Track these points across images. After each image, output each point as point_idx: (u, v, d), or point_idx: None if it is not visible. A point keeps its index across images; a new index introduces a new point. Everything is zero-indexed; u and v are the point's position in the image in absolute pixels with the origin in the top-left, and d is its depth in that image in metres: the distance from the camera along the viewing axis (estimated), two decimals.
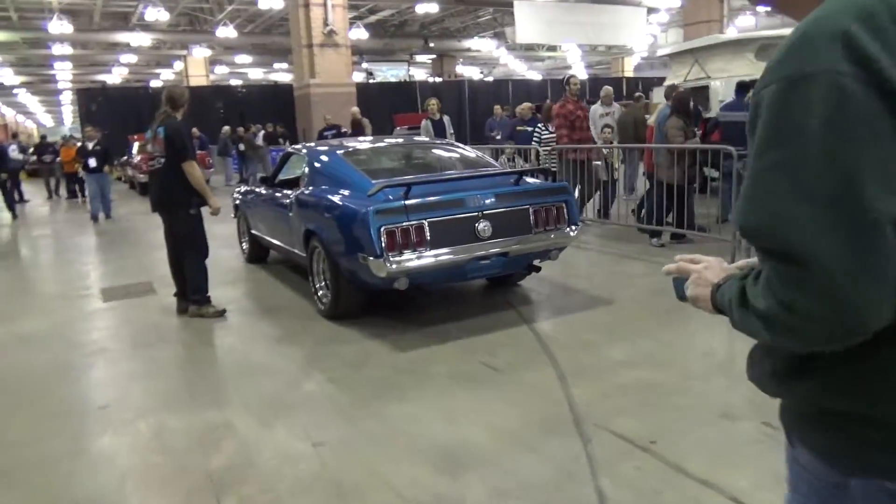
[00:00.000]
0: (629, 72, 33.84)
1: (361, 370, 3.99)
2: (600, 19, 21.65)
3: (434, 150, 5.92)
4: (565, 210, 4.86)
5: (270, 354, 4.40)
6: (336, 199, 4.72)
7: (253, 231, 6.81)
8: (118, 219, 12.12)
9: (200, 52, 33.33)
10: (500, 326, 4.60)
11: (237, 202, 7.18)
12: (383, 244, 4.20)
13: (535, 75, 35.23)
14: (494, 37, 31.10)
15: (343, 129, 13.02)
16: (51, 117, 62.72)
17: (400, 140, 6.11)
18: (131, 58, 35.88)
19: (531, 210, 4.70)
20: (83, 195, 15.63)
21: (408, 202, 4.29)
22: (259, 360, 4.29)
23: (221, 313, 5.25)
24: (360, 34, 27.41)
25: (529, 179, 5.06)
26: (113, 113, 24.70)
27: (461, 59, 36.28)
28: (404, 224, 4.26)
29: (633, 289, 5.47)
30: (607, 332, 4.40)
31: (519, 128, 9.62)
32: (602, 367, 3.82)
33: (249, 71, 44.85)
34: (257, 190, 6.46)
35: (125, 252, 8.64)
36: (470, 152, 5.80)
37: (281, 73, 40.81)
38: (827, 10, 0.85)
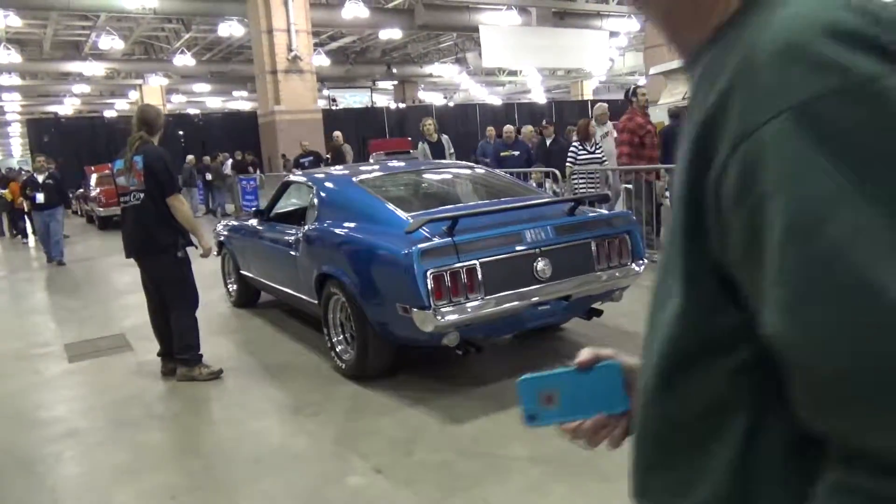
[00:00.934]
0: (588, 95, 34.00)
1: (413, 453, 3.17)
2: (562, 42, 21.70)
3: (459, 175, 5.16)
4: (629, 242, 4.15)
5: (291, 432, 3.54)
6: (363, 236, 3.93)
7: (243, 272, 5.93)
8: (76, 259, 10.98)
9: (157, 81, 32.38)
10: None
11: (222, 238, 6.28)
12: (430, 292, 3.42)
13: (496, 100, 35.09)
14: (456, 62, 30.88)
15: (324, 156, 12.19)
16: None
17: (412, 165, 5.32)
18: (84, 88, 34.76)
19: (593, 244, 3.98)
20: (25, 235, 14.46)
21: (457, 239, 3.52)
22: (278, 441, 3.43)
23: (217, 374, 4.37)
24: (321, 61, 26.80)
25: (585, 208, 4.36)
26: (66, 144, 23.38)
27: (423, 85, 36.01)
28: (454, 266, 3.49)
29: None
30: None
31: (503, 153, 8.86)
32: None
33: (208, 99, 43.82)
34: (249, 224, 5.59)
35: (88, 298, 7.64)
36: (500, 177, 5.07)
37: (241, 102, 39.93)
38: (792, 10, 0.56)
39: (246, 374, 4.48)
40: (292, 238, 4.68)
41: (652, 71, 12.74)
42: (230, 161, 15.93)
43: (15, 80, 31.35)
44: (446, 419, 3.49)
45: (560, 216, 4.06)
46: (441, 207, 4.14)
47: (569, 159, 7.77)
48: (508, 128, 9.22)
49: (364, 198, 4.25)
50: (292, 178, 5.15)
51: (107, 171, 16.33)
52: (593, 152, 7.80)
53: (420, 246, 3.42)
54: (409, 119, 26.96)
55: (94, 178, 15.67)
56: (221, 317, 6.06)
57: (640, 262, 4.19)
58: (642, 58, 21.81)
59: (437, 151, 8.64)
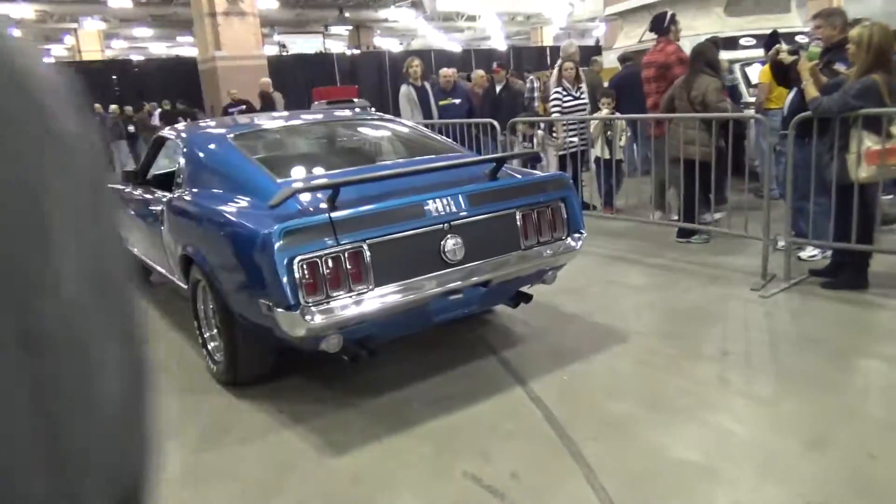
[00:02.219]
0: (548, 42, 32.87)
1: (279, 494, 2.41)
2: None
3: (368, 130, 4.27)
4: (565, 211, 3.38)
5: None
6: (223, 209, 3.07)
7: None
8: None
9: (93, 25, 30.33)
10: (483, 392, 3.09)
11: None
12: (298, 286, 2.61)
13: (456, 46, 33.70)
14: (412, 6, 29.31)
15: (255, 106, 11.10)
16: None
17: (318, 116, 4.39)
18: (14, 32, 32.38)
19: (519, 215, 3.19)
20: None
21: (336, 214, 2.70)
22: None
23: None
24: (269, 3, 25.15)
25: (511, 169, 3.55)
26: None
27: (378, 31, 34.38)
28: (332, 250, 2.67)
29: (649, 311, 4.07)
30: (640, 398, 2.97)
31: (442, 101, 7.63)
32: (661, 471, 2.39)
33: (151, 45, 41.53)
34: (122, 188, 4.65)
35: None
36: (416, 132, 4.19)
37: (186, 48, 37.81)
38: None
39: None
40: (157, 208, 3.80)
41: (607, 10, 11.79)
42: (158, 111, 14.62)
43: None
44: (326, 447, 2.73)
45: (479, 181, 3.25)
46: (323, 173, 3.29)
47: (553, 106, 6.55)
48: (445, 71, 7.85)
49: (235, 159, 3.36)
50: (164, 133, 4.21)
51: None
52: (579, 97, 6.64)
53: (283, 225, 2.59)
54: (361, 66, 25.58)
55: None
56: None
57: (578, 235, 3.43)
58: (602, 3, 20.77)
59: (423, 98, 7.46)
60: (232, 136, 3.56)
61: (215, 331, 3.33)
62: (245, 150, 3.43)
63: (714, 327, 3.72)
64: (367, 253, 2.76)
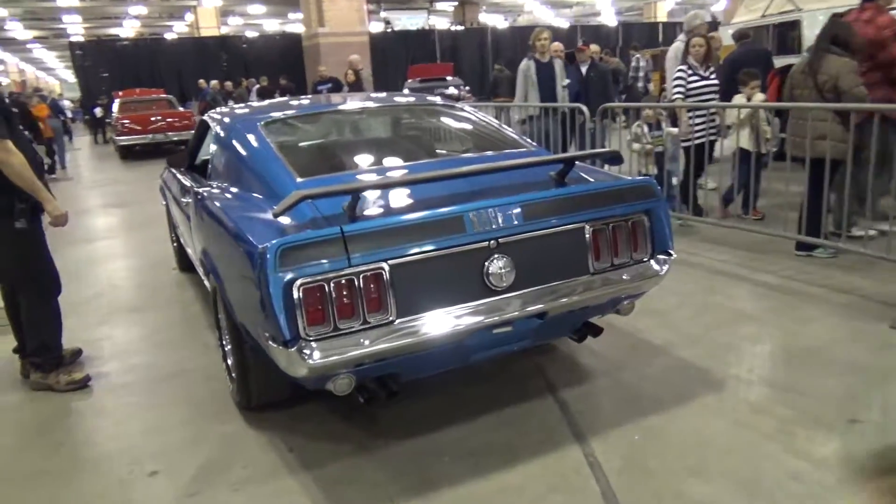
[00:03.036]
0: (663, 17, 30.85)
1: None
2: None
3: (423, 120, 3.70)
4: (648, 227, 2.70)
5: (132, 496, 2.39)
6: (230, 212, 2.63)
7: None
8: None
9: (211, 2, 31.54)
10: (531, 446, 2.51)
11: (162, 184, 5.07)
12: (299, 315, 2.12)
13: (563, 23, 32.29)
14: None
15: (343, 83, 10.78)
16: (72, 73, 61.53)
17: (369, 102, 3.74)
18: (141, 10, 34.35)
19: (588, 231, 2.55)
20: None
21: (350, 227, 2.18)
22: None
23: (81, 384, 3.27)
24: None
25: (584, 171, 2.89)
26: (111, 66, 22.64)
27: (484, 7, 33.51)
28: (344, 272, 2.16)
29: (756, 348, 3.30)
30: (734, 478, 2.28)
31: None
32: None
33: (265, 22, 42.79)
34: (173, 173, 4.35)
35: None
36: (486, 125, 3.54)
37: (297, 24, 38.63)
38: None
39: (122, 386, 3.33)
40: (187, 200, 3.44)
41: None
42: (256, 87, 14.70)
43: (74, 0, 31.00)
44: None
45: (539, 187, 2.63)
46: (354, 171, 2.76)
47: (676, 87, 5.52)
48: (557, 46, 6.91)
49: (259, 151, 2.90)
50: (206, 115, 3.84)
51: (134, 97, 15.55)
52: (708, 77, 5.53)
53: (280, 241, 2.10)
54: (463, 43, 24.88)
55: (116, 105, 14.80)
56: (156, 284, 4.96)
57: (665, 256, 2.74)
58: None
59: (546, 75, 6.51)
60: (263, 122, 3.10)
61: (230, 346, 2.93)
62: (274, 140, 2.96)
63: (839, 377, 2.93)
64: (389, 276, 2.23)
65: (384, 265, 2.22)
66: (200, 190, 3.13)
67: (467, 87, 14.55)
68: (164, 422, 2.91)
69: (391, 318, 2.25)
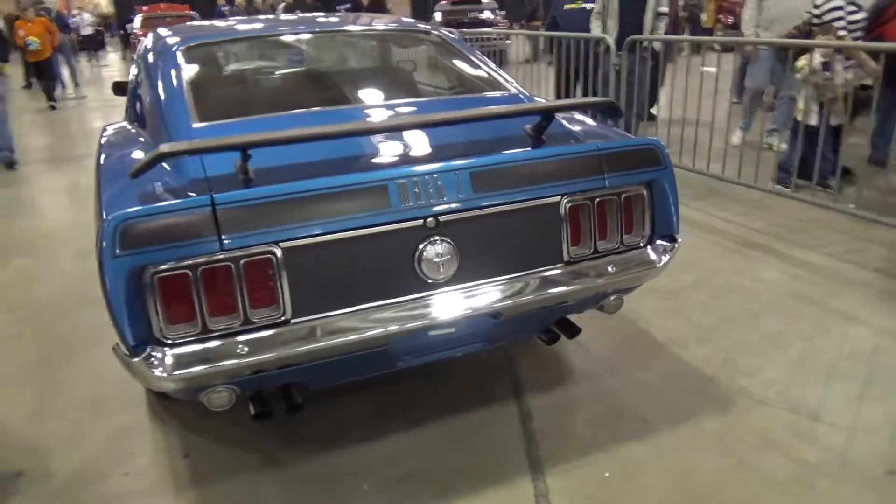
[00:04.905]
0: None
1: None
2: None
3: (388, 51, 2.97)
4: (646, 201, 2.08)
5: None
6: (107, 168, 2.10)
7: None
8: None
9: None
10: (473, 474, 2.00)
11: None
12: (154, 315, 1.60)
13: None
14: None
15: (363, 2, 9.92)
16: None
17: (330, 25, 2.88)
18: None
19: (563, 207, 1.94)
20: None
21: (222, 197, 1.62)
22: None
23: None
24: None
25: (569, 124, 2.25)
26: None
27: None
28: (213, 257, 1.62)
29: (787, 353, 2.67)
30: None
31: (567, 5, 5.98)
32: None
33: None
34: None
35: None
36: (472, 60, 2.81)
37: None
38: None
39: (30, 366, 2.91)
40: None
41: None
42: (283, 4, 13.86)
43: None
44: None
45: (509, 146, 2.00)
46: (254, 118, 2.16)
47: (832, 14, 4.25)
48: None
49: (165, 82, 2.29)
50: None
51: (157, 13, 14.92)
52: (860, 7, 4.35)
53: (118, 214, 1.55)
54: None
55: (138, 20, 14.22)
56: None
57: (667, 244, 2.13)
58: None
59: None
60: (185, 47, 2.49)
61: None
62: (190, 71, 2.36)
63: (891, 404, 2.31)
64: (281, 262, 1.68)
65: (275, 249, 1.67)
66: (105, 128, 2.58)
67: (503, 12, 13.44)
68: (47, 408, 2.47)
69: (284, 317, 1.72)
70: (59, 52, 9.80)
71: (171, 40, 2.53)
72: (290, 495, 1.98)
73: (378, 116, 2.18)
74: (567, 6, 6.04)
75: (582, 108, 2.32)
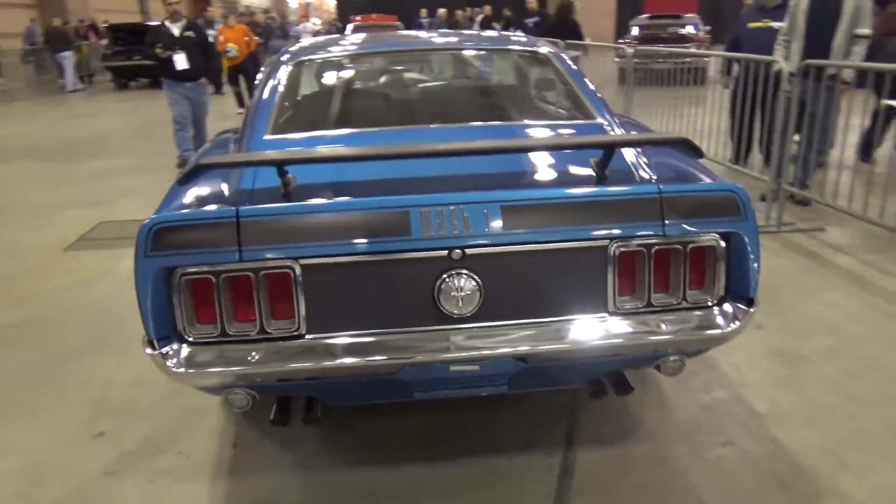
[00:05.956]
0: None
1: None
2: None
3: (489, 70, 2.89)
4: (720, 255, 1.81)
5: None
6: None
7: None
8: None
9: None
10: None
11: None
12: (179, 313, 1.72)
13: None
14: None
15: (549, 17, 9.84)
16: None
17: (438, 42, 2.96)
18: None
19: (614, 251, 1.76)
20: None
21: (247, 210, 1.69)
22: None
23: None
24: None
25: (647, 158, 2.03)
26: None
27: None
28: (233, 268, 1.70)
29: None
30: None
31: (752, 23, 5.44)
32: None
33: None
34: None
35: None
36: (566, 79, 2.60)
37: None
38: None
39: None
40: None
41: None
42: (481, 17, 14.27)
43: None
44: None
45: (565, 179, 1.86)
46: (319, 134, 2.19)
47: None
48: None
49: (264, 93, 2.45)
50: None
51: (368, 23, 16.09)
52: None
53: (155, 218, 1.69)
54: None
55: (349, 29, 15.41)
56: None
57: (741, 307, 1.84)
58: None
59: (831, 9, 4.42)
60: (292, 63, 2.63)
61: None
62: (289, 83, 2.51)
63: None
64: (300, 278, 1.72)
65: (293, 265, 1.71)
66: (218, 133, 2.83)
67: (708, 28, 12.56)
68: (146, 377, 2.75)
69: (298, 332, 1.75)
70: (251, 59, 9.54)
71: (285, 56, 2.70)
72: (312, 502, 2.02)
73: (438, 138, 2.14)
74: (751, 24, 5.50)
75: (646, 145, 2.07)
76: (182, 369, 1.70)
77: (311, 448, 2.26)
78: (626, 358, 1.90)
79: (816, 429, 2.30)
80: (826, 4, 4.49)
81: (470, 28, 14.19)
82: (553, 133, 2.20)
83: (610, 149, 1.84)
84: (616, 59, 9.23)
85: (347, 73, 2.87)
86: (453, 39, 3.13)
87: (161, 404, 2.54)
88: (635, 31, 12.16)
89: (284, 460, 2.21)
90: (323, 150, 1.78)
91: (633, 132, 2.46)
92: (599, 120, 2.29)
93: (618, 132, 2.24)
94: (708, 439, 2.25)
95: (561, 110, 2.43)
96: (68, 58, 14.47)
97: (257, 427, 2.38)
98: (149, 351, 1.72)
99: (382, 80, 2.90)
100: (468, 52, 2.95)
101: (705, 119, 5.49)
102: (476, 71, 3.00)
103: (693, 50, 7.47)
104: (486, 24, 13.77)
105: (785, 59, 4.47)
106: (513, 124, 2.33)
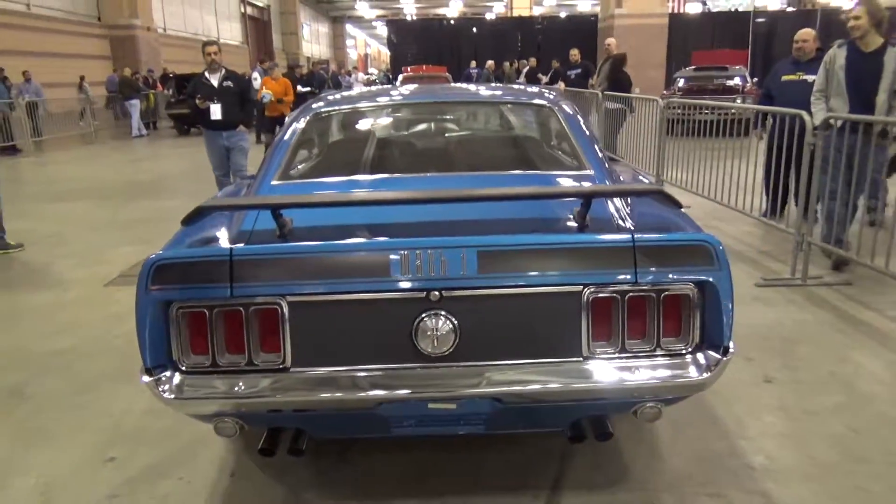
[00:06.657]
0: None
1: None
2: None
3: (489, 122, 3.02)
4: (694, 303, 1.85)
5: None
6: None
7: None
8: None
9: None
10: None
11: None
12: (175, 343, 1.85)
13: None
14: None
15: (592, 70, 10.00)
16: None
17: (445, 96, 3.16)
18: None
19: (587, 297, 1.82)
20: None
21: (241, 251, 1.82)
22: None
23: None
24: None
25: (627, 208, 2.09)
26: (417, 44, 24.66)
27: None
28: (225, 303, 1.82)
29: None
30: None
31: (786, 76, 5.47)
32: None
33: (579, 3, 42.76)
34: None
35: None
36: (567, 132, 2.65)
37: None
38: None
39: None
40: None
41: None
42: (526, 68, 14.58)
43: None
44: None
45: (544, 226, 1.94)
46: (323, 180, 2.33)
47: None
48: (803, 33, 5.50)
49: (281, 141, 2.63)
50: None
51: (418, 73, 16.63)
52: None
53: (157, 256, 1.83)
54: (785, 27, 21.46)
55: (399, 79, 15.94)
56: None
57: (714, 355, 1.86)
58: None
59: (867, 69, 4.39)
60: (312, 114, 2.81)
61: None
62: (305, 132, 2.68)
63: None
64: (286, 315, 1.83)
65: (281, 301, 1.83)
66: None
67: (755, 79, 12.52)
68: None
69: (283, 365, 1.86)
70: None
71: (304, 108, 2.89)
72: None
73: (429, 186, 2.26)
74: (785, 77, 5.50)
75: (622, 195, 2.13)
76: (173, 396, 1.82)
77: (305, 480, 2.34)
78: (601, 403, 1.93)
79: (812, 485, 2.25)
80: (867, 61, 4.46)
81: (513, 80, 14.49)
82: (538, 182, 2.29)
83: (588, 198, 1.92)
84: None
85: (355, 124, 3.04)
86: (469, 91, 3.28)
87: (170, 432, 2.67)
88: (681, 82, 12.21)
89: (276, 491, 2.29)
90: (312, 196, 1.91)
91: (625, 181, 2.52)
92: (588, 171, 2.37)
93: (607, 182, 2.32)
94: (696, 490, 2.23)
95: (555, 160, 2.52)
96: (135, 105, 15.40)
97: (256, 457, 2.47)
98: (145, 378, 1.85)
99: (386, 131, 3.06)
100: (473, 105, 3.09)
101: (741, 171, 5.39)
102: (477, 123, 3.13)
103: (722, 102, 7.44)
104: (531, 76, 14.05)
105: (823, 113, 4.43)
106: (501, 174, 2.43)
